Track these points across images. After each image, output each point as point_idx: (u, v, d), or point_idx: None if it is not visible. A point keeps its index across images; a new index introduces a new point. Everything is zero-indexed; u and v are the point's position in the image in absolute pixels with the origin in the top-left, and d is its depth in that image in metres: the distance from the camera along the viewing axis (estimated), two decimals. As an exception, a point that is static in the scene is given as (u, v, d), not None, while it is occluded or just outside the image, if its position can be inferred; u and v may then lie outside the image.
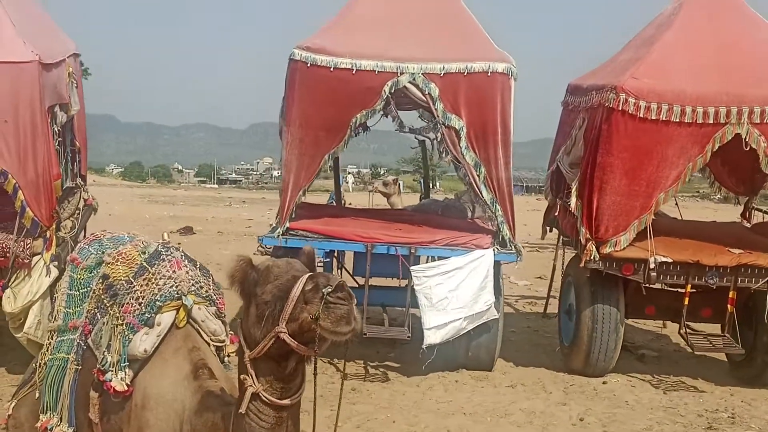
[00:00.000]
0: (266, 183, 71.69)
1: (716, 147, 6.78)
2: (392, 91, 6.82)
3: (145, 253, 4.96)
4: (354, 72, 6.78)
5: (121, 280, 4.71)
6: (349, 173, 73.97)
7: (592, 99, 7.22)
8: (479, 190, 6.92)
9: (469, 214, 8.29)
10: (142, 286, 4.46)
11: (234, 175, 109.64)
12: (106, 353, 4.32)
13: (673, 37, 7.08)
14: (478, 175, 6.90)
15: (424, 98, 6.84)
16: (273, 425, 3.41)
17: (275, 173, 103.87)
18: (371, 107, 6.87)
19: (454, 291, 6.84)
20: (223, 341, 4.66)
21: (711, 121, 6.70)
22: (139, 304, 4.35)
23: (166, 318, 4.32)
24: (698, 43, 7.07)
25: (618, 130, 6.77)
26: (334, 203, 10.10)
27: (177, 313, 4.44)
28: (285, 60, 6.92)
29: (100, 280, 4.79)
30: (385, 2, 7.30)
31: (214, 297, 4.65)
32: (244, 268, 3.41)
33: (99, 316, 4.64)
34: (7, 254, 6.41)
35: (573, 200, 7.19)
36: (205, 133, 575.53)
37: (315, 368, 3.84)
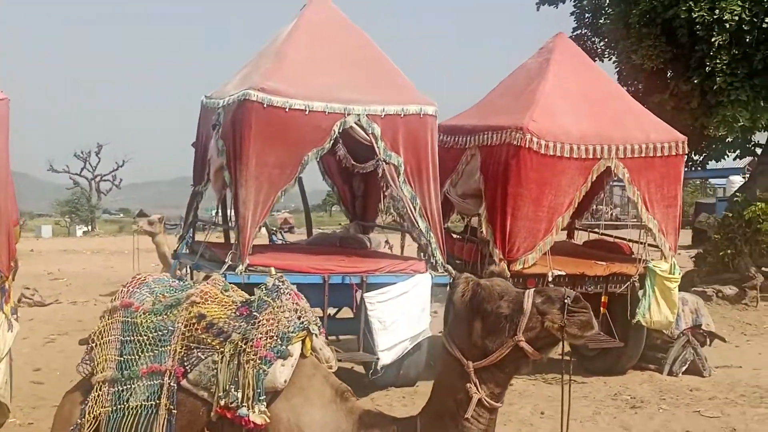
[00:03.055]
0: None
1: (594, 177, 8.28)
2: (340, 130, 7.29)
3: (227, 290, 5.09)
4: (307, 113, 7.15)
5: (222, 318, 4.77)
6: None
7: (490, 138, 8.32)
8: (415, 219, 7.62)
9: (368, 244, 8.92)
10: (269, 320, 4.59)
11: None
12: (231, 390, 4.36)
13: (550, 87, 8.46)
14: (414, 207, 7.60)
15: (367, 137, 7.39)
16: (486, 427, 3.92)
17: None
18: (321, 145, 7.27)
19: (403, 313, 7.47)
20: (331, 367, 4.96)
21: (591, 157, 8.17)
22: (270, 338, 4.48)
23: (296, 348, 4.53)
24: (570, 92, 8.54)
25: (525, 164, 7.95)
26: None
27: (303, 343, 4.66)
28: None
29: (195, 321, 4.78)
30: (314, 45, 7.71)
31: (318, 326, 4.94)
32: (474, 288, 3.89)
33: (201, 356, 4.63)
34: (-43, 310, 5.76)
35: (484, 226, 8.22)
36: None
37: (570, 370, 4.31)
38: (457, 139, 9.02)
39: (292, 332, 4.56)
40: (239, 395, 4.32)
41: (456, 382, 3.89)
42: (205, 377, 4.54)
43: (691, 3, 12.87)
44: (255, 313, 4.65)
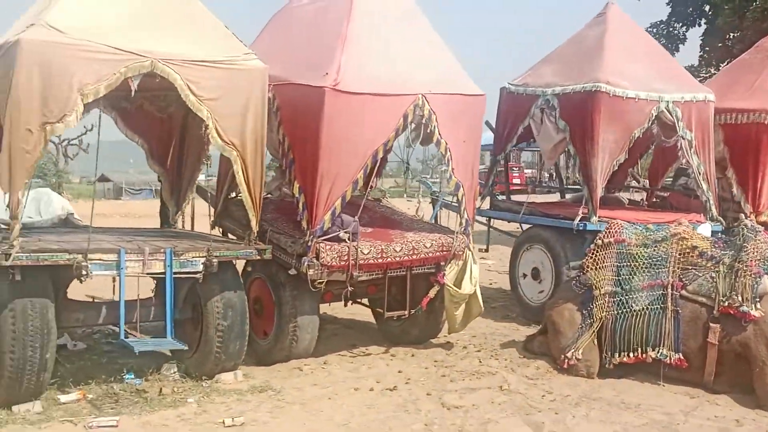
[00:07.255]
0: None
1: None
2: (656, 113, 9.43)
3: (696, 229, 7.33)
4: (636, 100, 9.26)
5: (708, 248, 7.05)
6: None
7: (736, 118, 10.54)
8: (700, 182, 9.82)
9: (625, 203, 11.17)
10: (754, 248, 6.84)
11: None
12: (732, 295, 6.62)
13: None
14: (700, 172, 9.79)
15: (671, 119, 9.55)
16: None
17: None
18: (643, 125, 9.36)
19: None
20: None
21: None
22: (758, 260, 6.75)
23: (772, 267, 6.75)
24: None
25: (768, 139, 10.27)
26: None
27: (766, 261, 6.88)
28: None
29: (688, 250, 7.05)
30: (625, 45, 9.78)
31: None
32: None
33: (698, 274, 6.91)
34: (450, 249, 7.83)
35: (735, 188, 10.50)
36: None
37: None
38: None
39: (770, 257, 6.80)
40: (740, 298, 6.59)
41: None
42: (704, 288, 6.82)
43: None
44: (744, 244, 6.89)
